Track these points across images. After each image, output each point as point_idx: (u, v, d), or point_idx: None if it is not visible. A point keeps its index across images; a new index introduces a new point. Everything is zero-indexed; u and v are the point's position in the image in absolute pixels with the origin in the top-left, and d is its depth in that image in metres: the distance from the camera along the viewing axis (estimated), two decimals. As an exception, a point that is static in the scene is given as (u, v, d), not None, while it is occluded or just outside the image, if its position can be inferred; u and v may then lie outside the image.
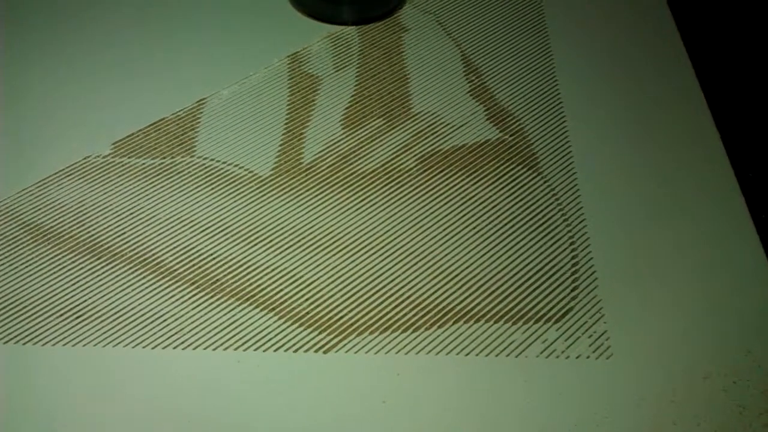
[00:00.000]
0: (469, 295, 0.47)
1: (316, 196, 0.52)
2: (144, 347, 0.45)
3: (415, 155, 0.55)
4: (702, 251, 0.49)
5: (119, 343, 0.45)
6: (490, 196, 0.52)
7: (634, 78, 0.59)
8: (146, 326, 0.45)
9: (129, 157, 0.54)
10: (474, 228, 0.50)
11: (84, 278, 0.48)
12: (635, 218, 0.51)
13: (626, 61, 0.61)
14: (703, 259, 0.48)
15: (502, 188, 0.53)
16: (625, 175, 0.53)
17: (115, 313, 0.46)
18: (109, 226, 0.50)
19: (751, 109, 0.61)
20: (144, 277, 0.48)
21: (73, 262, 0.48)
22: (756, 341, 0.45)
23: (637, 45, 0.62)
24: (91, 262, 0.48)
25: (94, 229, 0.50)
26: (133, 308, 0.46)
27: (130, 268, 0.48)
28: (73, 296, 0.47)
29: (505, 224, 0.51)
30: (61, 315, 0.46)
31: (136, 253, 0.49)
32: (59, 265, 0.48)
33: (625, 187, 0.53)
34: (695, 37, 0.64)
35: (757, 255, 0.49)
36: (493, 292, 0.47)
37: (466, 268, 0.48)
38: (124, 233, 0.50)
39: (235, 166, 0.54)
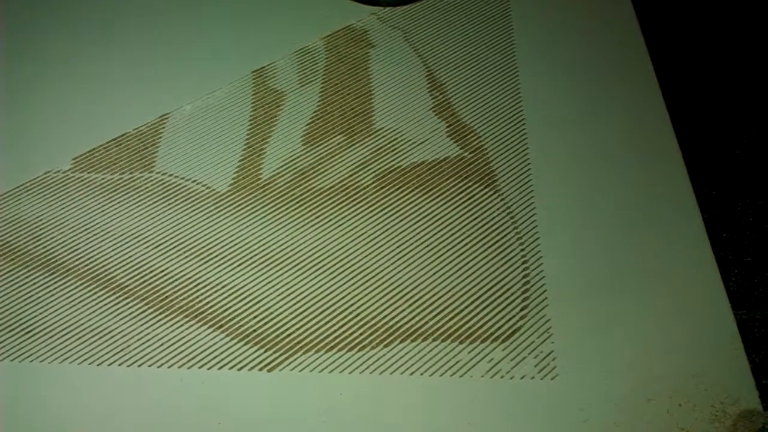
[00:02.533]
0: (418, 313, 0.47)
1: (272, 212, 0.52)
2: (90, 364, 0.45)
3: (373, 172, 0.55)
4: (655, 274, 0.49)
5: (66, 359, 0.45)
6: (446, 214, 0.52)
7: (599, 99, 0.59)
8: (93, 342, 0.46)
9: (88, 173, 0.54)
10: (427, 246, 0.50)
11: (35, 293, 0.48)
12: (590, 239, 0.51)
13: (592, 83, 0.61)
14: (655, 282, 0.48)
15: (458, 205, 0.52)
16: (582, 195, 0.53)
17: (64, 329, 0.46)
18: (64, 241, 0.50)
19: (715, 131, 0.60)
20: (95, 293, 0.48)
21: (26, 276, 0.49)
22: (703, 365, 0.44)
23: (604, 68, 0.62)
24: (44, 278, 0.49)
25: (49, 244, 0.50)
26: (81, 324, 0.46)
27: (82, 284, 0.48)
28: (23, 311, 0.47)
29: (459, 242, 0.50)
30: (10, 329, 0.46)
31: (88, 269, 0.49)
32: (11, 280, 0.48)
33: (582, 206, 0.52)
34: (664, 62, 0.64)
35: (712, 279, 0.48)
36: (443, 310, 0.47)
37: (417, 286, 0.48)
38: (78, 249, 0.50)
39: (194, 182, 0.54)
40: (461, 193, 0.53)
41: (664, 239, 0.50)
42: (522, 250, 0.50)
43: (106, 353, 0.45)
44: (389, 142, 0.57)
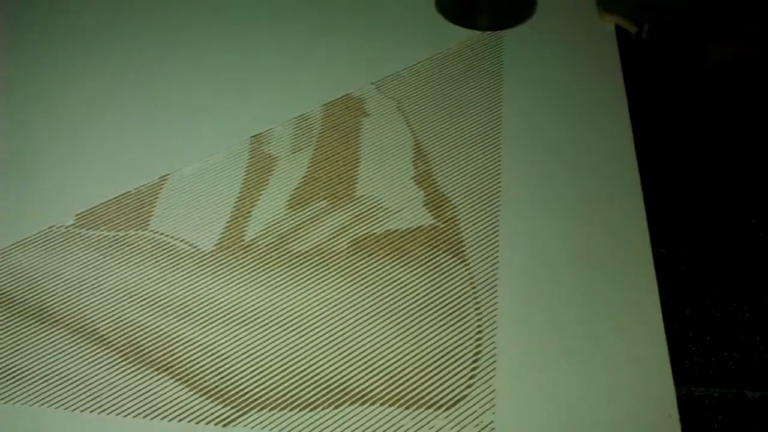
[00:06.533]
0: (371, 377, 0.50)
1: (249, 273, 0.56)
2: (65, 408, 0.49)
3: (349, 238, 0.58)
4: (605, 353, 0.50)
5: (44, 403, 0.49)
6: (411, 281, 0.55)
7: (577, 187, 0.61)
8: (69, 389, 0.50)
9: (88, 229, 0.59)
10: (388, 312, 0.53)
11: (24, 341, 0.52)
12: (545, 314, 0.53)
13: (573, 171, 0.62)
14: (604, 361, 0.50)
15: (424, 273, 0.55)
16: (546, 271, 0.55)
17: (45, 375, 0.50)
18: (57, 293, 0.55)
19: (691, 211, 0.61)
20: (77, 343, 0.52)
21: (19, 325, 0.53)
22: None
23: (587, 159, 0.63)
24: (35, 326, 0.53)
25: (43, 296, 0.55)
26: (60, 371, 0.51)
27: (68, 334, 0.53)
28: (10, 357, 0.51)
29: (419, 309, 0.53)
30: (-2, 374, 0.51)
31: (76, 320, 0.53)
32: (4, 327, 0.53)
33: (543, 282, 0.54)
34: (649, 157, 0.65)
35: (662, 369, 0.49)
36: (394, 375, 0.50)
37: (374, 350, 0.51)
38: (69, 301, 0.55)
39: (182, 241, 0.58)
40: (428, 261, 0.56)
41: (620, 323, 0.52)
42: (479, 319, 0.52)
43: (80, 399, 0.49)
44: (368, 210, 0.60)
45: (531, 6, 0.78)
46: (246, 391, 0.49)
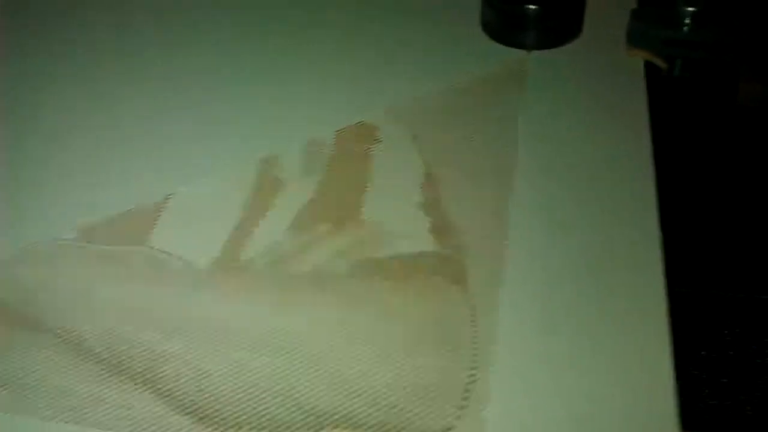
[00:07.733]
0: (354, 402, 0.47)
1: (241, 292, 0.54)
2: (41, 419, 0.48)
3: (348, 261, 0.56)
4: (607, 404, 0.47)
5: (20, 412, 0.48)
6: (408, 307, 0.53)
7: (592, 223, 0.58)
8: (49, 399, 0.49)
9: (89, 242, 0.59)
10: (380, 336, 0.51)
11: (10, 350, 0.51)
12: (548, 351, 0.50)
13: (587, 206, 0.60)
14: (605, 411, 0.46)
15: (423, 299, 0.53)
16: (551, 305, 0.52)
17: (27, 383, 0.50)
18: (51, 305, 0.54)
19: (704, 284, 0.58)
20: (64, 354, 0.51)
21: (12, 335, 0.53)
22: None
23: (604, 195, 0.60)
24: (27, 337, 0.52)
25: (38, 307, 0.54)
26: (44, 381, 0.50)
27: (55, 344, 0.52)
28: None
29: (413, 335, 0.51)
30: (-19, 381, 0.50)
31: (65, 331, 0.52)
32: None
33: (547, 315, 0.52)
34: (672, 194, 0.62)
35: (666, 404, 0.46)
36: (379, 401, 0.47)
37: (360, 375, 0.49)
38: (60, 312, 0.54)
39: (177, 257, 0.57)
40: (428, 287, 0.54)
41: (626, 369, 0.49)
42: (475, 349, 0.50)
43: (59, 410, 0.48)
44: (371, 234, 0.58)
45: (579, 24, 0.76)
46: (224, 409, 0.47)
